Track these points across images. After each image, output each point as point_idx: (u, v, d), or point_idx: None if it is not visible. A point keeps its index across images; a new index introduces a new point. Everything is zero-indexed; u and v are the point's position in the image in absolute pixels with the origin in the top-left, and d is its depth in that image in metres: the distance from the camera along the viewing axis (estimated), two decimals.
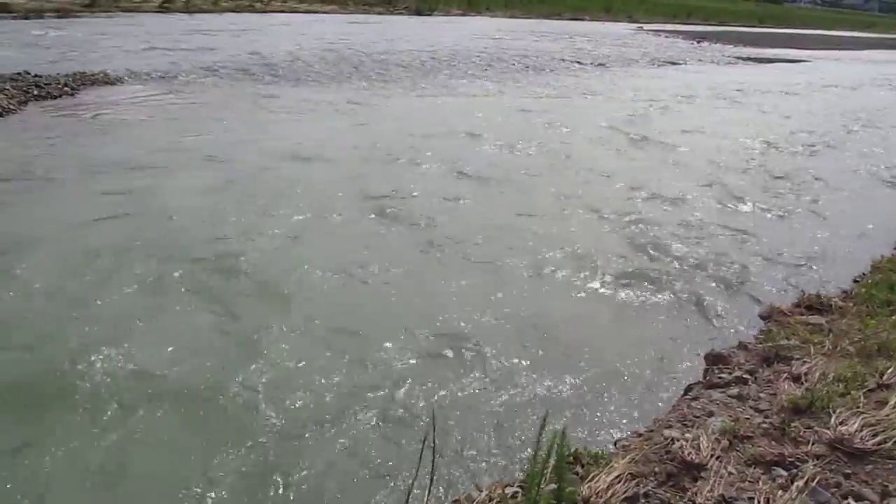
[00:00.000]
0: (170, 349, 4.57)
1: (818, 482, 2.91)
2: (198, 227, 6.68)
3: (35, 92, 11.80)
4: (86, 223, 6.60)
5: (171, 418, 3.91)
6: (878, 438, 3.16)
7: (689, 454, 3.15)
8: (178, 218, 6.88)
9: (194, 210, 7.13)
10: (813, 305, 5.34)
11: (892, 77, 28.24)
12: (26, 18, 22.44)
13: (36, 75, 12.63)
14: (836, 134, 14.30)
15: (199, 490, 3.38)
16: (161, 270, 5.69)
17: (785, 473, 3.01)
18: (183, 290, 5.42)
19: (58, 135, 9.63)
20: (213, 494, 3.36)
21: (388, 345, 4.85)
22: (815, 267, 6.92)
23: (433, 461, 2.82)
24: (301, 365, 4.52)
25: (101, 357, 4.37)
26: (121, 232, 6.42)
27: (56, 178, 7.85)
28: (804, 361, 4.14)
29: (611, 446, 3.64)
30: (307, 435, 3.85)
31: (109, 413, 3.89)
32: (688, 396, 4.11)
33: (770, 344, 4.56)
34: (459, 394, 4.37)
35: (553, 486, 2.76)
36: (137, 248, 6.10)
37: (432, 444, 2.66)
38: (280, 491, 3.44)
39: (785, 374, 4.02)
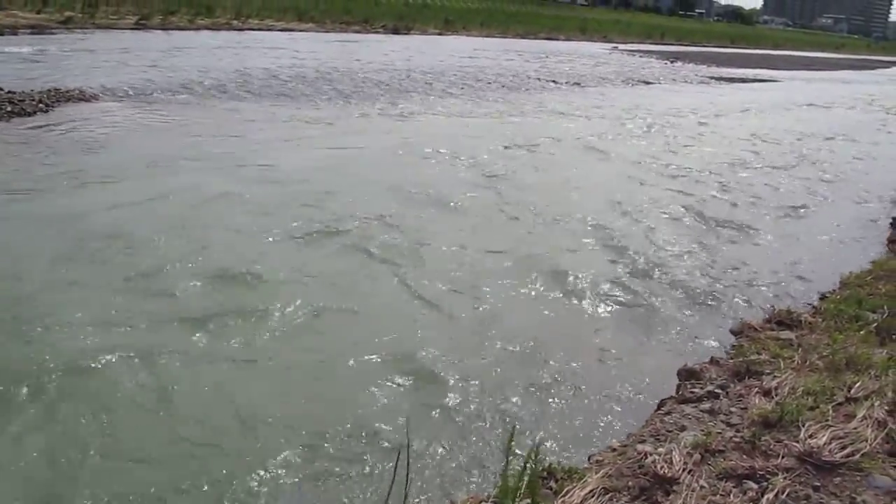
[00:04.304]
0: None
1: (788, 495, 2.95)
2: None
3: (8, 108, 11.66)
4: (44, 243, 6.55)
5: None
6: (846, 451, 3.22)
7: (661, 468, 3.18)
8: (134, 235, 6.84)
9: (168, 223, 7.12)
10: (783, 321, 5.42)
11: (864, 97, 28.90)
12: (0, 35, 22.25)
13: (9, 91, 12.50)
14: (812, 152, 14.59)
15: None
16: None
17: (756, 486, 3.05)
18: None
19: (30, 151, 9.54)
20: None
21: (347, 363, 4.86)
22: (785, 283, 7.04)
23: (408, 475, 2.83)
24: None
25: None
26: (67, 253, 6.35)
27: (24, 193, 7.80)
28: (774, 376, 4.20)
29: (585, 461, 3.66)
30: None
31: None
32: (661, 411, 4.15)
33: (741, 359, 4.62)
34: (433, 407, 4.39)
35: (527, 500, 2.78)
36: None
37: (407, 459, 2.67)
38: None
39: (756, 389, 4.07)
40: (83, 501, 3.42)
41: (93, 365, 4.51)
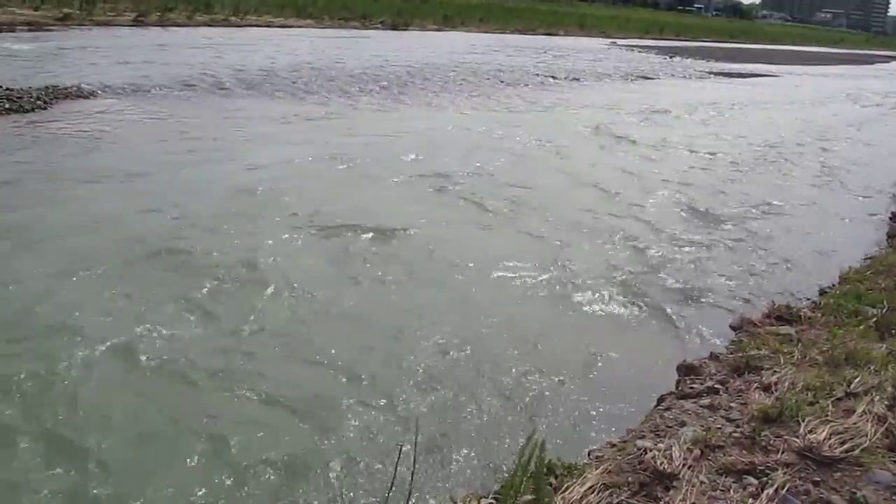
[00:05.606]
0: None
1: (788, 490, 2.94)
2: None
3: (7, 105, 11.63)
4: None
5: None
6: (845, 446, 3.21)
7: (661, 464, 3.17)
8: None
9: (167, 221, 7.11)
10: (782, 316, 5.41)
11: (866, 92, 28.94)
12: None
13: (7, 89, 12.45)
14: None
15: None
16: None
17: (755, 482, 3.04)
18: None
19: (28, 148, 9.52)
20: None
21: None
22: (784, 278, 7.05)
23: (413, 471, 2.82)
24: None
25: None
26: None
27: (20, 189, 7.79)
28: (774, 371, 4.19)
29: (585, 457, 3.66)
30: None
31: None
32: (660, 407, 4.14)
33: (741, 354, 4.61)
34: (434, 401, 4.39)
35: (528, 497, 2.77)
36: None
37: (413, 454, 2.66)
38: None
39: (755, 384, 4.06)
40: None
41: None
